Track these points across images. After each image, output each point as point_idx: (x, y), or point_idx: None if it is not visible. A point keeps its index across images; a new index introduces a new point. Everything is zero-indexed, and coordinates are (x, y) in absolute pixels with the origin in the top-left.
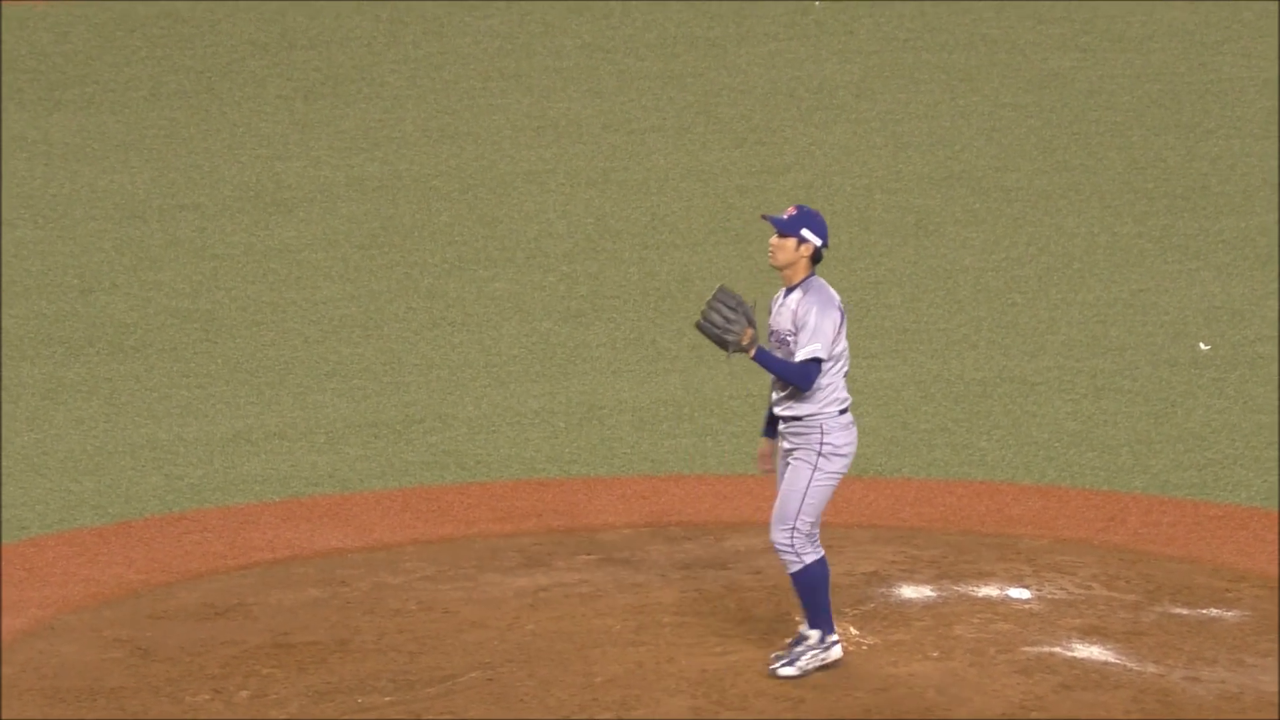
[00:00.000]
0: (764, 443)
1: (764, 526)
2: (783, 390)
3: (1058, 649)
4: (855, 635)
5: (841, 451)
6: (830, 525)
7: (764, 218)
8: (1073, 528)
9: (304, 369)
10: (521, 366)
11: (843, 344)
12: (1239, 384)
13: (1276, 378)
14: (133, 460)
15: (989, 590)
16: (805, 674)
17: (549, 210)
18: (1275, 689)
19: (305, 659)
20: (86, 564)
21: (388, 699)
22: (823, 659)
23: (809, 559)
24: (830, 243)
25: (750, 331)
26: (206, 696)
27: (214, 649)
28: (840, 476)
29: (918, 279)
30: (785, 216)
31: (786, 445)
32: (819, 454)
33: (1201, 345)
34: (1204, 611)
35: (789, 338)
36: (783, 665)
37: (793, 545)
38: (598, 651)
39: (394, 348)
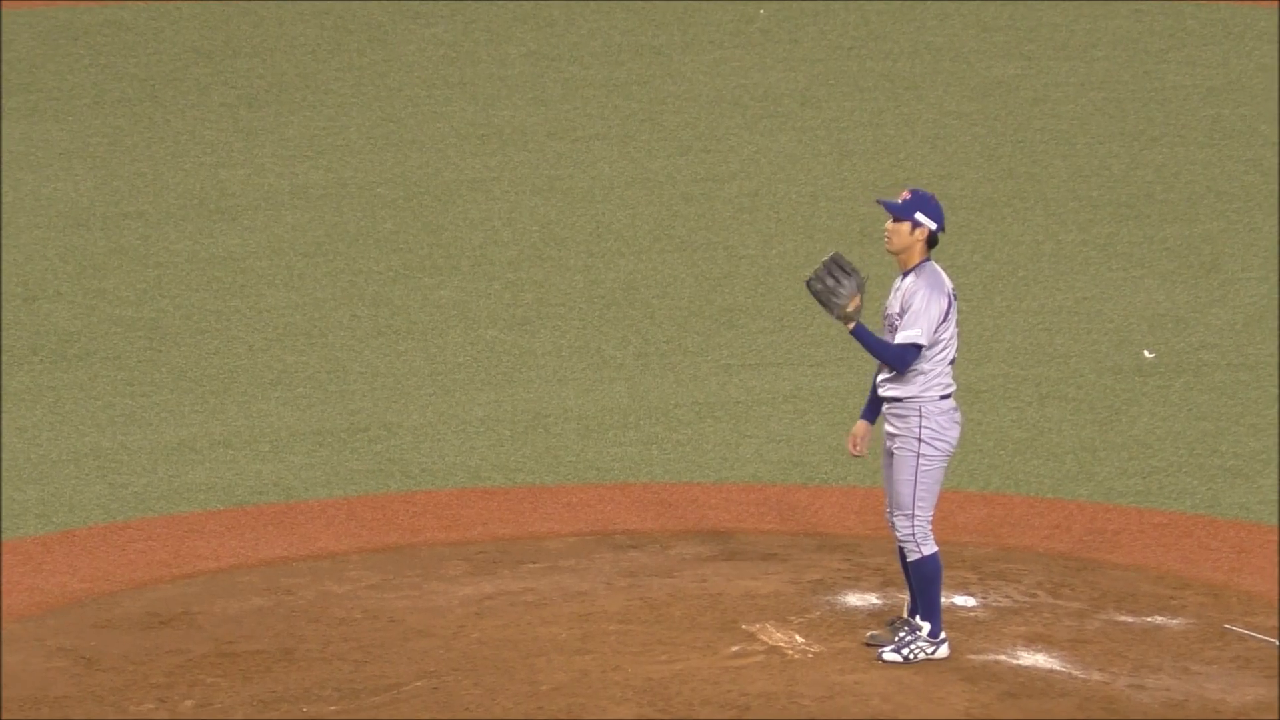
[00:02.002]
0: (860, 424)
1: (708, 535)
2: (888, 371)
3: (1003, 657)
4: (801, 643)
5: (943, 437)
6: (776, 533)
7: (878, 202)
8: (1018, 535)
9: (248, 377)
10: (467, 374)
11: (950, 330)
12: (1183, 391)
13: (1229, 385)
14: (76, 469)
15: None
16: (910, 663)
17: (494, 218)
18: (1220, 696)
19: (250, 668)
20: (30, 573)
21: (333, 708)
22: (929, 654)
23: (927, 551)
24: (945, 226)
25: (858, 300)
26: (151, 706)
27: (158, 658)
28: (945, 461)
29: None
30: (900, 201)
31: (888, 429)
32: (919, 439)
33: (1146, 353)
34: (1149, 619)
35: (896, 321)
36: (889, 651)
37: (914, 535)
38: (543, 660)
39: (339, 356)
